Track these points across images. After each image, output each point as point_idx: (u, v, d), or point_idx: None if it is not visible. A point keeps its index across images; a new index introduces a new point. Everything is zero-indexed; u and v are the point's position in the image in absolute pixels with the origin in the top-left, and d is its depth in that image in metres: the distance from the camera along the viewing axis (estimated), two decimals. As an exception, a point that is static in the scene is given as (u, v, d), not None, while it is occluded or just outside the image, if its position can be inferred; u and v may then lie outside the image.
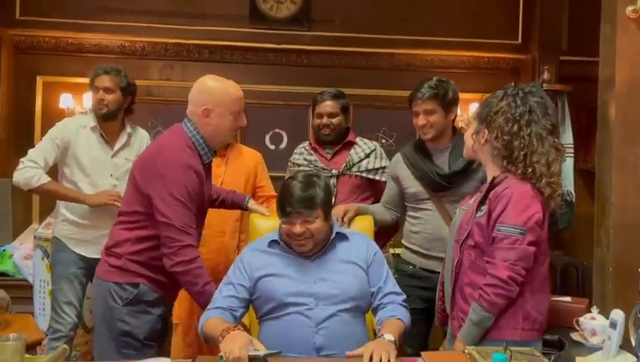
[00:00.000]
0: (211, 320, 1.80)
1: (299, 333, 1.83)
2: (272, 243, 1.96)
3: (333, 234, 1.97)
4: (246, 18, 4.05)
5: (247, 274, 1.91)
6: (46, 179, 2.59)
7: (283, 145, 4.15)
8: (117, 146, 2.69)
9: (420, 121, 2.34)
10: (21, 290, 3.32)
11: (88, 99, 3.84)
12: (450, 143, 2.40)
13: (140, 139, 2.79)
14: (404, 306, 1.92)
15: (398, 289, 1.96)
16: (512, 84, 1.84)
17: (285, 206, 1.88)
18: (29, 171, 2.56)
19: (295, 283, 1.87)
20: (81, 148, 2.64)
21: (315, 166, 2.73)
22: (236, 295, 1.88)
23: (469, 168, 2.26)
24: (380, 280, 1.94)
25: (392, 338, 1.73)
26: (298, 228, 1.85)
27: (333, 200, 2.55)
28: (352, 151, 2.75)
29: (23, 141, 3.97)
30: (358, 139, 2.81)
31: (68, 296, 2.64)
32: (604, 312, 1.89)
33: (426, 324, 2.35)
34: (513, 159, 1.73)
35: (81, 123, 2.69)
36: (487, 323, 1.69)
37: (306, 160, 2.78)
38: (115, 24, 3.99)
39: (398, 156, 2.51)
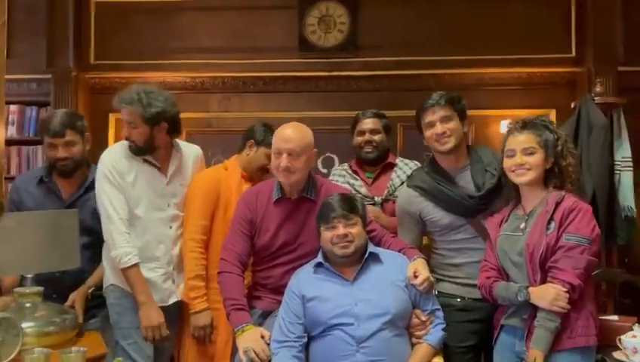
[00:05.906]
0: None
1: (340, 351, 1.90)
2: (317, 266, 2.05)
3: (367, 254, 2.03)
4: (296, 49, 4.23)
5: (300, 300, 1.99)
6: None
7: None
8: (170, 172, 2.39)
9: (439, 128, 2.13)
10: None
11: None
12: (468, 160, 2.20)
13: (187, 156, 2.47)
14: (440, 322, 2.01)
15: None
16: (538, 118, 2.03)
17: (328, 213, 2.00)
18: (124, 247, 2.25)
19: (338, 306, 1.95)
20: (133, 179, 2.33)
21: (358, 192, 2.59)
22: (299, 322, 1.98)
23: (501, 183, 2.11)
24: (429, 303, 2.02)
25: None
26: (341, 230, 1.98)
27: None
28: (394, 174, 2.62)
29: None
30: (398, 160, 2.69)
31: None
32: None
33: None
34: (568, 177, 1.93)
35: (128, 152, 2.34)
36: (557, 329, 1.79)
37: (349, 183, 2.65)
38: (177, 62, 4.29)
39: (408, 191, 2.24)
